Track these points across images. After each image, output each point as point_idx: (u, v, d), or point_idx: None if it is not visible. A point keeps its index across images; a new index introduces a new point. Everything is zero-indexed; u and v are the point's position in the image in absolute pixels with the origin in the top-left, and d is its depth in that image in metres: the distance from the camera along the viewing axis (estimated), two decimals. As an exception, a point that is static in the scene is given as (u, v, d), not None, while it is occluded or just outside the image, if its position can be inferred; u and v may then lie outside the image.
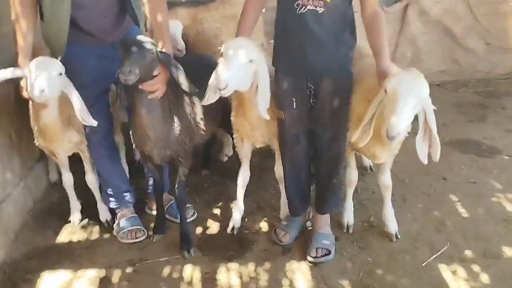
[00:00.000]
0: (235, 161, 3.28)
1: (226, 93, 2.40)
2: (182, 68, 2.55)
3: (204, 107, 2.76)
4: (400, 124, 2.14)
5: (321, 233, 2.90)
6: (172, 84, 2.68)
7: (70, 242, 3.16)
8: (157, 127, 2.65)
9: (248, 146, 3.03)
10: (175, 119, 2.70)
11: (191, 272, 2.80)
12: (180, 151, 2.80)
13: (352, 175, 2.96)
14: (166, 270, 2.83)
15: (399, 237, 2.93)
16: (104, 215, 3.30)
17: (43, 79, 2.49)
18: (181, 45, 3.76)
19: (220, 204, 3.44)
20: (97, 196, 3.30)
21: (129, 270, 2.85)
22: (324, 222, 2.94)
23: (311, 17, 2.44)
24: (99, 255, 3.00)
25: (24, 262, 2.95)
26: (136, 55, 2.37)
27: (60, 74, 2.60)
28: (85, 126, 2.98)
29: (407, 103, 2.16)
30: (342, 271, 2.71)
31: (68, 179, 3.25)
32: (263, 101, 2.52)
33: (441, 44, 5.50)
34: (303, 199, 2.99)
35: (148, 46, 2.43)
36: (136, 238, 3.09)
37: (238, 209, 3.16)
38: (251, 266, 2.80)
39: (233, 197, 3.24)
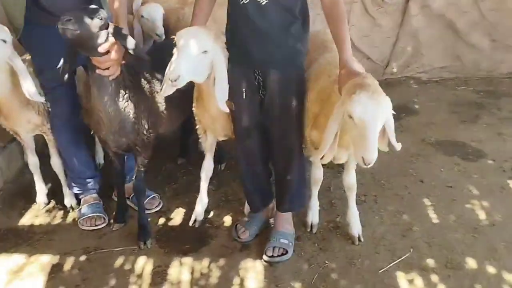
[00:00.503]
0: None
1: (178, 85, 2.30)
2: (132, 39, 2.45)
3: (172, 97, 2.63)
4: (375, 151, 2.07)
5: (280, 231, 2.80)
6: (131, 70, 2.60)
7: (31, 226, 3.14)
8: (110, 111, 2.56)
9: (212, 138, 2.94)
10: (131, 105, 2.61)
11: (144, 264, 2.74)
12: (138, 140, 2.72)
13: (317, 174, 2.85)
14: (119, 261, 2.77)
15: (362, 240, 2.82)
16: (69, 200, 3.26)
17: None
18: (160, 30, 3.67)
19: (189, 195, 3.35)
20: (62, 180, 3.26)
21: (82, 258, 2.81)
22: (284, 220, 2.84)
23: (254, 8, 2.35)
24: (57, 241, 2.97)
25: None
26: (82, 11, 2.27)
27: (4, 41, 2.51)
28: (48, 109, 2.93)
29: (377, 129, 2.09)
30: (297, 273, 2.62)
31: (33, 161, 3.21)
32: (220, 93, 2.42)
33: (443, 39, 5.27)
34: (263, 195, 2.89)
35: (97, 10, 2.32)
36: (96, 225, 3.05)
37: (201, 202, 3.08)
38: (205, 262, 2.73)
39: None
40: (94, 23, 2.29)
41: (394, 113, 2.20)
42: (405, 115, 4.34)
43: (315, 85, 2.54)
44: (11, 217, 3.22)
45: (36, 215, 3.24)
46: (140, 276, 2.65)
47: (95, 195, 3.21)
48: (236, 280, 2.59)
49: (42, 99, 2.69)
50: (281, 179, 2.75)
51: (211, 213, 3.16)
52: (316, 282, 2.54)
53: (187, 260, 2.76)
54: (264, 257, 2.70)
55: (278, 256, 2.70)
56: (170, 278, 2.63)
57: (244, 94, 2.57)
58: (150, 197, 3.22)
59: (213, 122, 2.75)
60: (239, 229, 2.90)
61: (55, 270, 2.72)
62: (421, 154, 3.69)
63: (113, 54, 2.42)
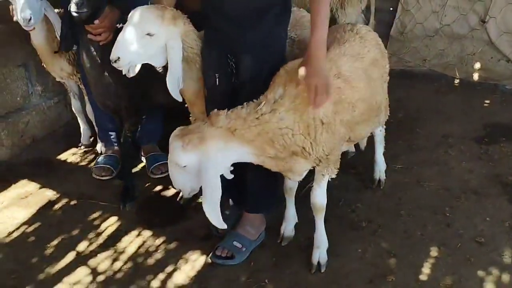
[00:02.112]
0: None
1: (119, 67, 2.22)
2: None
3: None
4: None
5: (237, 233, 2.57)
6: None
7: (63, 161, 3.51)
8: (95, 74, 2.63)
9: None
10: (115, 72, 2.61)
11: (111, 224, 2.82)
12: (121, 105, 2.74)
13: (289, 182, 2.49)
14: (96, 214, 2.91)
15: (321, 271, 2.39)
16: (99, 146, 3.51)
17: (26, 6, 2.67)
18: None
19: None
20: (80, 121, 3.55)
21: (73, 202, 3.04)
22: (248, 222, 2.59)
23: None
24: (69, 180, 3.26)
25: (10, 167, 3.40)
26: None
27: None
28: (78, 60, 3.14)
29: None
30: (228, 282, 2.38)
31: (75, 104, 3.53)
32: (170, 82, 2.29)
33: None
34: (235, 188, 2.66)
35: None
36: (102, 176, 3.23)
37: (190, 181, 2.98)
38: (158, 241, 2.68)
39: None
40: None
41: None
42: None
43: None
44: (57, 150, 3.63)
45: (74, 153, 3.59)
46: (98, 234, 2.75)
47: (116, 148, 3.38)
48: (168, 269, 2.49)
49: (69, 49, 2.87)
50: (244, 175, 2.48)
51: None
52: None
53: (146, 233, 2.74)
54: (211, 254, 2.52)
55: (222, 258, 2.49)
56: (119, 245, 2.66)
57: (217, 80, 2.38)
58: (160, 163, 3.25)
59: (191, 107, 2.60)
60: None
61: (45, 207, 3.00)
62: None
63: (106, 21, 2.46)
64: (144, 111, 2.91)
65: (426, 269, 2.35)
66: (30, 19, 2.72)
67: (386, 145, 3.05)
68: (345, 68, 2.23)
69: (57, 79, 3.39)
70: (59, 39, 2.77)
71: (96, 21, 2.42)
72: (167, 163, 3.18)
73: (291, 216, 2.60)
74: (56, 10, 2.93)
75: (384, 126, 2.88)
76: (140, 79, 2.65)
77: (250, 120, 2.05)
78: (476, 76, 4.50)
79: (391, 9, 4.86)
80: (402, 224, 2.67)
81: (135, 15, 2.19)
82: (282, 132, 2.06)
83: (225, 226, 2.13)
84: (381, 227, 2.66)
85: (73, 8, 2.30)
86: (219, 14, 2.24)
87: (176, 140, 2.07)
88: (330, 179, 2.33)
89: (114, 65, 2.18)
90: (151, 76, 2.71)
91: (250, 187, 2.50)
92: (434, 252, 2.44)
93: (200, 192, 2.92)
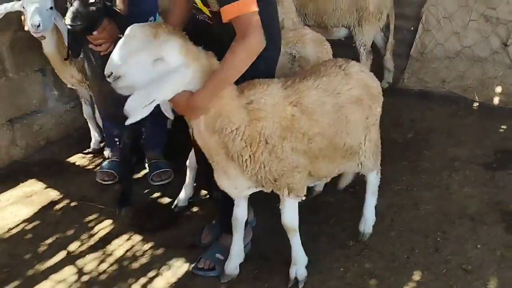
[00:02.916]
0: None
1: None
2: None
3: None
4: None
5: (219, 245, 2.58)
6: None
7: (72, 164, 3.64)
8: (96, 82, 2.75)
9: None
10: None
11: (104, 227, 2.90)
12: (121, 113, 2.81)
13: (237, 212, 2.38)
14: (92, 216, 3.01)
15: (300, 287, 2.37)
16: (106, 151, 3.62)
17: (36, 14, 2.83)
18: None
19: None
20: (90, 127, 3.67)
21: (73, 203, 3.15)
22: (228, 235, 2.59)
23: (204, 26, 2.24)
24: (73, 182, 3.38)
25: (22, 166, 3.57)
26: (83, 2, 2.44)
27: (51, 8, 2.90)
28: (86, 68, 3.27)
29: None
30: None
31: (85, 109, 3.66)
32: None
33: None
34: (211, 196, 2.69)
35: None
36: (104, 181, 3.33)
37: (185, 190, 3.04)
38: (146, 246, 2.73)
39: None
40: (91, 11, 2.45)
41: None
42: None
43: None
44: (68, 153, 3.77)
45: (83, 157, 3.72)
46: (91, 236, 2.83)
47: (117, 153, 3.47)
48: (151, 274, 2.53)
49: (76, 57, 2.99)
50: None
51: (196, 203, 3.09)
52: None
53: (136, 238, 2.80)
54: (194, 265, 2.54)
55: (204, 269, 2.50)
56: (109, 247, 2.74)
57: None
58: (161, 170, 3.32)
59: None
60: (204, 232, 2.76)
61: (47, 206, 3.12)
62: None
63: (105, 33, 2.57)
64: (144, 119, 2.97)
65: (406, 293, 2.29)
66: (39, 25, 2.86)
67: (390, 165, 3.00)
68: (309, 100, 2.16)
69: (69, 86, 3.53)
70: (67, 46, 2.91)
71: (95, 33, 2.53)
72: (168, 170, 3.34)
73: (237, 252, 2.47)
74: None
75: (379, 175, 2.72)
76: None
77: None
78: (496, 100, 4.36)
79: (411, 28, 4.80)
80: (390, 246, 2.62)
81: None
82: (232, 120, 2.01)
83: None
84: (368, 248, 2.61)
85: (67, 21, 2.44)
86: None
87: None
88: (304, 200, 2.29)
89: (108, 79, 2.22)
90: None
91: (226, 208, 2.47)
92: (417, 276, 2.38)
93: (194, 200, 3.00)
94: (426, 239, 2.64)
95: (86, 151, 3.73)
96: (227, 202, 2.39)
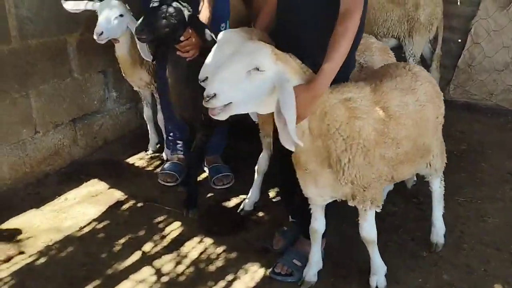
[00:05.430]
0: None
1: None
2: (209, 32, 2.59)
3: None
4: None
5: (296, 250, 2.61)
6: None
7: (131, 165, 3.69)
8: (179, 88, 2.80)
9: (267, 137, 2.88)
10: (195, 86, 2.74)
11: (174, 228, 2.94)
12: (198, 118, 2.87)
13: (315, 223, 2.39)
14: (160, 218, 3.05)
15: (379, 299, 2.40)
16: (165, 153, 3.67)
17: (103, 21, 2.89)
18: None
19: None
20: (164, 135, 3.67)
21: (139, 204, 3.19)
22: (307, 239, 2.62)
23: None
24: (135, 184, 3.42)
25: (83, 166, 3.62)
26: (154, 14, 2.50)
27: (121, 15, 2.95)
28: (156, 69, 3.33)
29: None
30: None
31: (147, 112, 3.71)
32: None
33: None
34: (289, 206, 2.71)
35: (173, 10, 2.52)
36: (167, 182, 3.37)
37: (252, 194, 3.08)
38: (219, 249, 2.77)
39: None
40: (163, 24, 2.51)
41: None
42: None
43: None
44: (125, 154, 3.82)
45: (141, 158, 3.77)
46: (163, 237, 2.87)
47: (181, 156, 3.52)
48: (229, 277, 2.56)
49: (149, 58, 3.06)
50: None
51: (261, 208, 3.13)
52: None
53: (208, 241, 2.84)
54: (271, 270, 2.57)
55: (282, 275, 2.53)
56: (182, 249, 2.77)
57: None
58: (222, 174, 3.36)
59: (263, 125, 2.71)
60: (275, 237, 2.78)
61: (114, 206, 3.17)
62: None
63: (191, 40, 2.64)
64: (217, 125, 3.03)
65: (489, 306, 2.31)
66: (102, 33, 2.92)
67: (450, 176, 3.02)
68: (394, 103, 2.17)
69: (135, 88, 3.58)
70: (140, 48, 2.96)
71: (182, 38, 2.59)
72: (229, 175, 3.38)
73: (315, 261, 2.48)
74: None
75: (443, 183, 2.72)
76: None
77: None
78: (544, 114, 4.39)
79: (458, 40, 4.83)
80: (463, 258, 2.64)
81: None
82: (334, 117, 2.00)
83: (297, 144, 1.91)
84: (442, 259, 2.63)
85: (135, 33, 2.53)
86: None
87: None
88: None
89: (202, 84, 2.27)
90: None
91: (303, 214, 2.50)
92: (497, 289, 2.40)
93: (259, 205, 3.03)
94: (499, 252, 2.66)
95: (146, 153, 3.78)
96: (308, 209, 2.43)
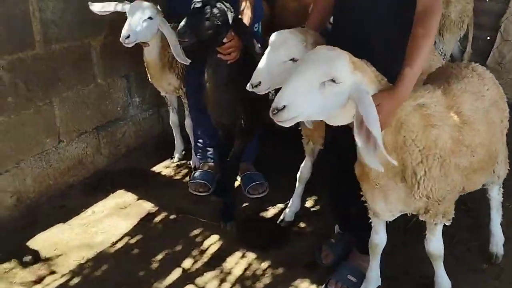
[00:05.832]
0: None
1: (259, 91, 2.11)
2: (253, 39, 2.42)
3: None
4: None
5: (351, 266, 2.44)
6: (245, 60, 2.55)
7: (157, 174, 3.51)
8: (216, 90, 2.62)
9: (312, 144, 2.72)
10: (236, 91, 2.57)
11: (213, 242, 2.77)
12: (237, 124, 2.70)
13: (375, 238, 2.24)
14: (196, 231, 2.87)
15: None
16: (193, 161, 3.49)
17: (130, 24, 2.71)
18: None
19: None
20: (192, 142, 3.50)
21: (172, 216, 3.01)
22: (359, 254, 2.46)
23: None
24: (165, 194, 3.24)
25: (107, 176, 3.44)
26: (196, 16, 2.32)
27: (150, 18, 2.76)
28: (184, 73, 3.15)
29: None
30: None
31: (173, 118, 3.53)
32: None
33: None
34: (341, 219, 2.55)
35: (217, 11, 2.35)
36: (199, 192, 3.20)
37: (293, 204, 2.92)
38: (264, 264, 2.59)
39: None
40: (207, 26, 2.33)
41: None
42: None
43: None
44: (149, 162, 3.64)
45: (167, 166, 3.59)
46: (202, 252, 2.69)
47: (211, 164, 3.35)
48: (278, 295, 2.39)
49: (186, 61, 2.81)
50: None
51: (302, 218, 2.95)
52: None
53: (250, 255, 2.67)
54: (323, 287, 2.40)
55: (339, 291, 2.37)
56: (224, 265, 2.60)
57: None
58: (256, 183, 3.19)
59: (312, 131, 2.52)
60: (323, 251, 2.60)
61: (146, 219, 2.99)
62: None
63: (233, 42, 2.47)
64: (257, 131, 2.87)
65: None
66: (128, 36, 2.73)
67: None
68: (466, 107, 2.01)
69: (162, 94, 3.40)
70: (173, 50, 2.77)
71: (225, 40, 2.43)
72: (263, 183, 3.21)
73: (373, 277, 2.33)
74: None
75: (502, 189, 2.57)
76: (255, 100, 2.62)
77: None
78: None
79: (487, 38, 4.67)
80: (527, 270, 2.48)
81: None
82: (410, 127, 1.84)
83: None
84: (505, 272, 2.47)
85: (177, 36, 2.37)
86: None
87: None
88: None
89: (254, 89, 2.10)
90: (264, 98, 2.67)
91: (359, 227, 2.35)
92: None
93: (299, 215, 2.86)
94: None
95: (172, 160, 3.60)
96: (367, 222, 2.25)
